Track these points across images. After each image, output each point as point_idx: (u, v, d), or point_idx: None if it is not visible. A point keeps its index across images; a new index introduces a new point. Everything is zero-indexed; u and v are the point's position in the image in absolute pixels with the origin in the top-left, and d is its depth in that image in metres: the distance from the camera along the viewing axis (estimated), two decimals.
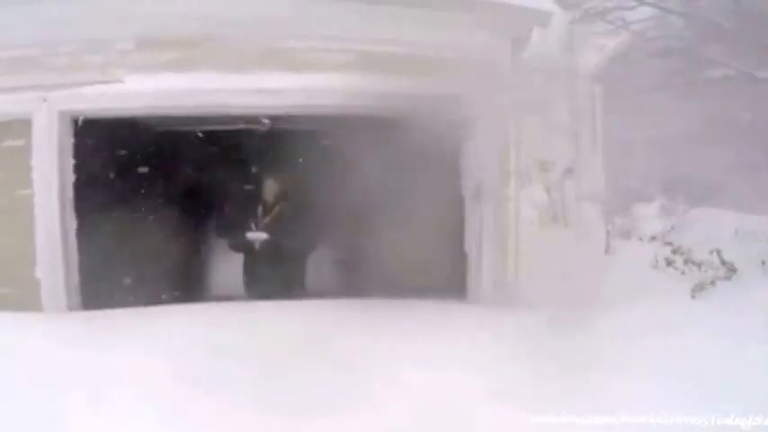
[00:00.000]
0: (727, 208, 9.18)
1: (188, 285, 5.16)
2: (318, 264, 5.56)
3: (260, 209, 5.36)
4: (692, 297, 5.26)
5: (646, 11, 10.23)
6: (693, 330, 4.36)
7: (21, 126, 4.71)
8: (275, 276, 5.14)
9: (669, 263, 5.88)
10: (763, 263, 6.01)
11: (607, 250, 7.75)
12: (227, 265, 5.57)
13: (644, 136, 13.26)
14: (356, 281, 5.11)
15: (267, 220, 5.31)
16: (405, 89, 4.61)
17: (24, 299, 4.63)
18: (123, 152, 5.09)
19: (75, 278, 4.73)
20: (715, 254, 5.48)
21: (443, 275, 5.31)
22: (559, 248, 7.68)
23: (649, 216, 9.77)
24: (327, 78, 4.54)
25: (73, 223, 4.74)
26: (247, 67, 4.54)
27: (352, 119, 4.77)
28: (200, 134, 5.30)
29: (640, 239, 7.25)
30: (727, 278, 5.49)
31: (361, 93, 4.56)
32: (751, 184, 10.51)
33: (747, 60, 9.75)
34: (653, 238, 7.41)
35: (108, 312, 4.40)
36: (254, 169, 5.63)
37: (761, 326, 4.39)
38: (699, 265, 5.61)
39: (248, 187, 5.52)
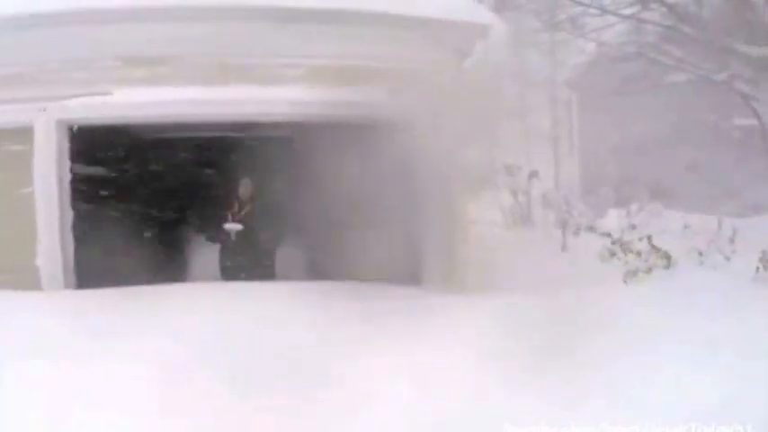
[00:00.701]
0: (678, 209, 9.76)
1: (169, 273, 5.72)
2: (287, 256, 6.18)
3: (236, 205, 6.01)
4: (624, 282, 5.79)
5: (610, 18, 10.83)
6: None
7: (23, 133, 5.34)
8: (248, 264, 5.78)
9: (612, 254, 6.38)
10: (701, 254, 6.57)
11: (564, 247, 8.35)
12: (204, 257, 6.19)
13: (608, 139, 13.76)
14: (320, 271, 5.68)
15: (242, 214, 5.97)
16: (352, 98, 5.20)
17: (26, 284, 5.20)
18: (114, 155, 5.72)
19: (71, 265, 5.36)
20: (645, 240, 6.00)
21: (399, 267, 5.89)
22: (520, 246, 8.30)
23: (608, 215, 10.34)
24: (282, 90, 5.17)
25: (69, 217, 5.38)
26: (212, 81, 5.18)
27: (311, 126, 5.39)
28: (181, 139, 5.88)
29: (592, 233, 7.74)
30: (666, 267, 5.98)
31: (313, 102, 5.15)
32: (704, 185, 11.01)
33: (706, 64, 10.26)
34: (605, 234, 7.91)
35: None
36: (231, 171, 6.25)
37: (681, 306, 4.91)
38: (639, 254, 6.12)
39: (226, 186, 6.17)
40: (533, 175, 10.58)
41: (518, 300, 5.18)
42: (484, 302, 4.87)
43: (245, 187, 6.05)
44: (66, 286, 5.31)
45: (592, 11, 10.70)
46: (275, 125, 5.62)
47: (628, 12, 10.86)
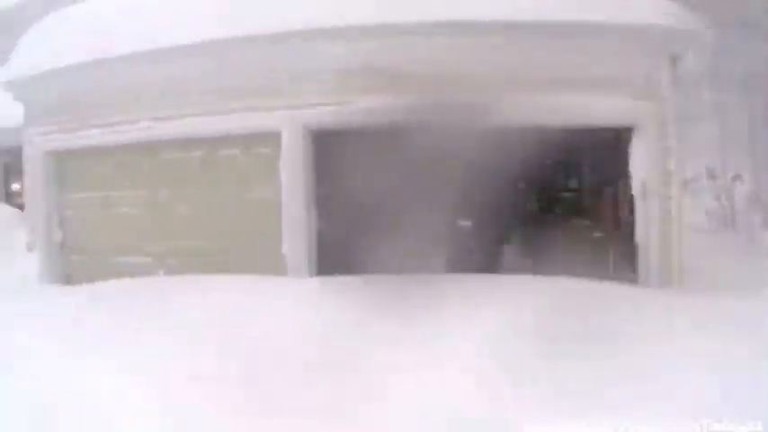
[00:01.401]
0: None
1: (399, 263, 6.14)
2: (508, 252, 6.47)
3: (466, 202, 6.45)
4: None
5: None
6: None
7: (270, 137, 6.09)
8: (475, 257, 6.10)
9: None
10: None
11: None
12: (426, 252, 6.56)
13: None
14: (543, 266, 5.89)
15: (471, 211, 6.38)
16: (576, 104, 5.47)
17: (273, 271, 5.95)
18: (350, 156, 6.24)
19: (314, 254, 6.02)
20: None
21: (617, 263, 6.05)
22: (727, 249, 8.10)
23: None
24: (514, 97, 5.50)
25: (313, 211, 6.03)
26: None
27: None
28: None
29: None
30: None
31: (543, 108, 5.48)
32: None
33: None
34: None
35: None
36: (461, 171, 6.60)
37: None
38: None
39: (455, 185, 6.54)
40: (736, 178, 10.23)
41: (734, 300, 5.19)
42: (713, 303, 4.94)
43: (474, 186, 6.39)
44: (310, 274, 5.94)
45: None
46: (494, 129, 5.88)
47: None
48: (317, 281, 5.68)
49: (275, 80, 6.06)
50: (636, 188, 5.79)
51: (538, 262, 5.90)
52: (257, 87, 6.14)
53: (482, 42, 5.53)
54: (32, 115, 8.05)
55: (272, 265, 6.01)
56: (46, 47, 7.73)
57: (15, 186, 12.51)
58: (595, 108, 5.47)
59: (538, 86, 5.48)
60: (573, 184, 6.33)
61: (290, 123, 5.98)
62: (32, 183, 7.99)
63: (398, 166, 6.18)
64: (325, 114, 5.88)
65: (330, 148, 6.14)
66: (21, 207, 9.40)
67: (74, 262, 7.76)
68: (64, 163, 7.82)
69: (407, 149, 5.94)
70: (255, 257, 6.14)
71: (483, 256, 6.07)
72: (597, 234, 6.16)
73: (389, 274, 5.57)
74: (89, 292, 6.45)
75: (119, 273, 6.89)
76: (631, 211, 5.80)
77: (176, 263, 6.70)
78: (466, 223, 6.31)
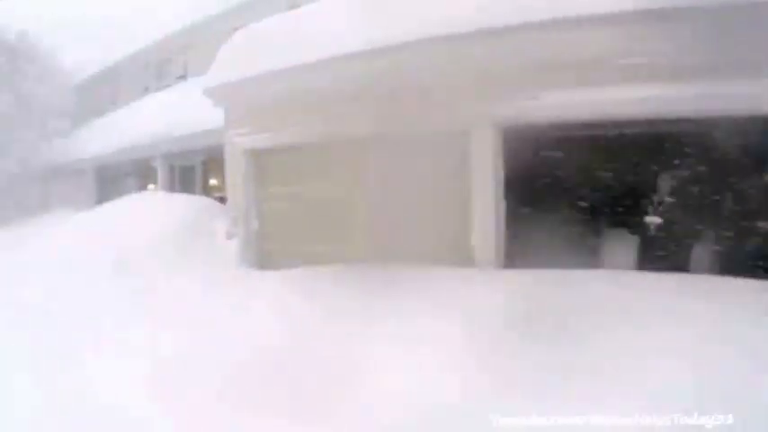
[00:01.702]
0: None
1: (586, 261, 6.24)
2: (701, 250, 6.32)
3: (655, 198, 6.45)
4: None
5: None
6: None
7: (462, 134, 6.28)
8: (664, 256, 6.08)
9: None
10: None
11: None
12: (621, 248, 6.62)
13: None
14: (731, 267, 5.80)
15: (661, 208, 6.38)
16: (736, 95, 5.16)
17: (461, 259, 6.23)
18: (538, 153, 6.44)
19: (502, 245, 6.22)
20: None
21: None
22: None
23: None
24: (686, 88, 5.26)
25: (502, 207, 6.21)
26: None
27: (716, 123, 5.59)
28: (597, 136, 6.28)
29: None
30: None
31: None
32: None
33: None
34: None
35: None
36: (649, 166, 6.56)
37: None
38: None
39: (645, 181, 6.58)
40: None
41: None
42: None
43: (663, 182, 6.45)
44: (497, 266, 6.15)
45: None
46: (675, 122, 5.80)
47: None
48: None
49: (467, 79, 6.27)
50: None
51: (722, 262, 5.84)
52: (449, 86, 6.39)
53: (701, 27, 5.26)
54: (231, 118, 8.90)
55: (464, 256, 6.27)
56: (242, 57, 8.51)
57: (213, 182, 13.78)
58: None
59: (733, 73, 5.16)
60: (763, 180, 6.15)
61: (481, 121, 6.20)
62: (232, 178, 8.84)
63: (590, 162, 6.28)
64: (513, 110, 6.00)
65: (522, 144, 6.29)
66: (218, 200, 10.35)
67: (267, 249, 8.54)
68: (260, 160, 8.59)
69: (601, 146, 6.03)
70: (441, 248, 6.44)
71: (672, 254, 6.04)
72: None
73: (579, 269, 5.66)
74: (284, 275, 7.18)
75: (308, 260, 7.48)
76: None
77: (364, 252, 7.20)
78: (654, 220, 6.34)
